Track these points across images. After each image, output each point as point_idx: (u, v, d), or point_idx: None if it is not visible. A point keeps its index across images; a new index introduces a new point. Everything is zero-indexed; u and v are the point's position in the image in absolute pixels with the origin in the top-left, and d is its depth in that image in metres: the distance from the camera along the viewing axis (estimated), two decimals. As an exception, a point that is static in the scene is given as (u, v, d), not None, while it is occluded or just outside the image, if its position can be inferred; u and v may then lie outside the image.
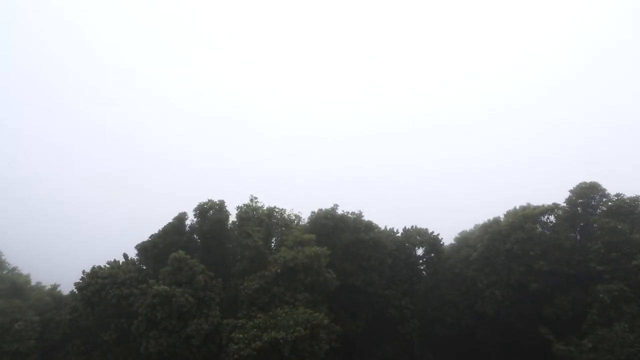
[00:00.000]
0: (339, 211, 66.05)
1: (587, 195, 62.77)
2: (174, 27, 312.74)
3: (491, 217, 69.12)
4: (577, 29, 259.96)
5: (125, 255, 62.47)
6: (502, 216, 68.26)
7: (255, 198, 63.76)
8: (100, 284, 57.61)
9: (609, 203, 61.27)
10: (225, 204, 63.78)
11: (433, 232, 69.28)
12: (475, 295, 63.61)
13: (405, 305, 62.81)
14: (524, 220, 62.15)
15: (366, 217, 66.77)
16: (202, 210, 62.83)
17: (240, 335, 51.49)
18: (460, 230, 72.98)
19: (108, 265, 60.53)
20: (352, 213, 66.57)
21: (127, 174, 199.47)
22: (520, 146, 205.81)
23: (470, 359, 63.43)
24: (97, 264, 60.22)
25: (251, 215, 61.28)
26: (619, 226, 57.32)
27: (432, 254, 68.50)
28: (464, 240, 69.02)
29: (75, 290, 59.85)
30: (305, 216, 67.36)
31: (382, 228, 68.94)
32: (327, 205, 66.79)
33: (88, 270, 60.04)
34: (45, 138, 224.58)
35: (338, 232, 64.62)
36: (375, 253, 63.18)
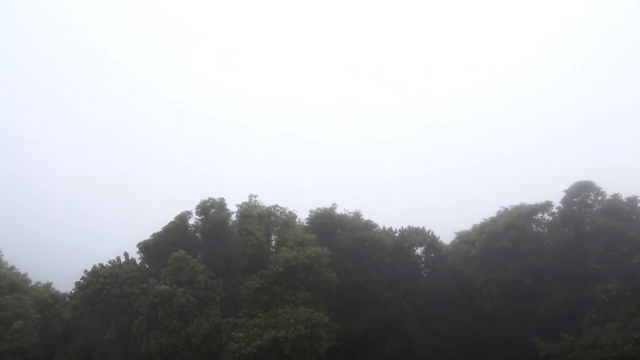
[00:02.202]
0: (338, 211, 66.53)
1: (581, 194, 63.83)
2: (173, 27, 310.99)
3: (487, 217, 70.07)
4: (574, 23, 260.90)
5: (126, 255, 62.57)
6: (496, 215, 69.11)
7: (255, 196, 64.13)
8: (102, 283, 57.79)
9: (604, 202, 62.29)
10: (226, 202, 64.19)
11: (431, 231, 69.84)
12: (473, 293, 64.37)
13: (405, 305, 63.22)
14: (518, 219, 63.48)
15: (365, 216, 67.52)
16: (204, 208, 63.14)
17: (241, 334, 51.97)
18: (458, 229, 73.65)
19: (109, 265, 60.64)
20: (351, 212, 67.13)
21: (122, 177, 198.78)
22: (519, 144, 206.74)
23: (470, 357, 64.10)
24: (98, 263, 60.33)
25: (251, 212, 61.66)
26: (616, 225, 58.05)
27: (432, 254, 68.88)
28: (464, 238, 69.79)
29: (76, 289, 60.00)
30: (303, 215, 67.73)
31: (381, 227, 69.54)
32: (325, 204, 67.41)
33: (87, 269, 60.15)
34: (39, 140, 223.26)
35: (337, 231, 65.05)
36: (376, 252, 63.69)
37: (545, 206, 64.85)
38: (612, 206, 61.26)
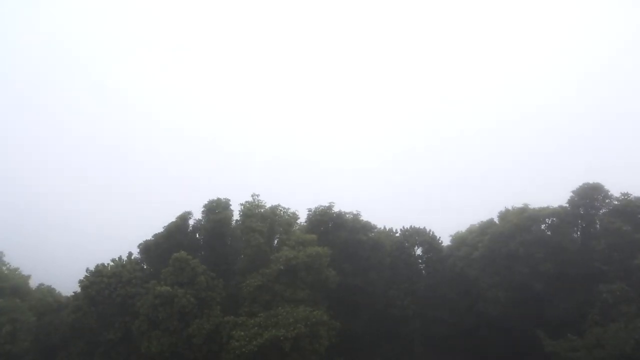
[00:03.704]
0: (336, 209, 66.45)
1: (589, 196, 62.42)
2: (176, 34, 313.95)
3: (485, 219, 68.90)
4: (578, 30, 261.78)
5: (129, 255, 62.48)
6: (495, 217, 67.96)
7: (258, 195, 64.19)
8: (105, 283, 57.69)
9: (615, 202, 61.17)
10: (231, 203, 64.47)
11: (431, 231, 69.52)
12: (476, 295, 63.27)
13: (406, 306, 62.66)
14: (531, 222, 61.57)
15: (364, 217, 67.34)
16: (210, 208, 63.40)
17: (242, 333, 52.11)
18: (455, 231, 72.76)
19: (112, 264, 60.45)
20: (350, 213, 66.94)
21: (122, 178, 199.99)
22: (518, 146, 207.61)
23: (471, 359, 63.64)
24: (100, 263, 60.17)
25: (254, 212, 61.69)
26: (624, 228, 57.52)
27: (431, 254, 68.40)
28: (462, 240, 68.59)
29: (78, 289, 59.69)
30: (302, 215, 67.88)
31: (381, 228, 69.33)
32: (323, 203, 67.40)
33: (89, 268, 60.06)
34: (40, 142, 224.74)
35: (336, 229, 65.08)
36: (375, 253, 63.51)
37: (561, 211, 62.48)
38: (621, 206, 60.27)
